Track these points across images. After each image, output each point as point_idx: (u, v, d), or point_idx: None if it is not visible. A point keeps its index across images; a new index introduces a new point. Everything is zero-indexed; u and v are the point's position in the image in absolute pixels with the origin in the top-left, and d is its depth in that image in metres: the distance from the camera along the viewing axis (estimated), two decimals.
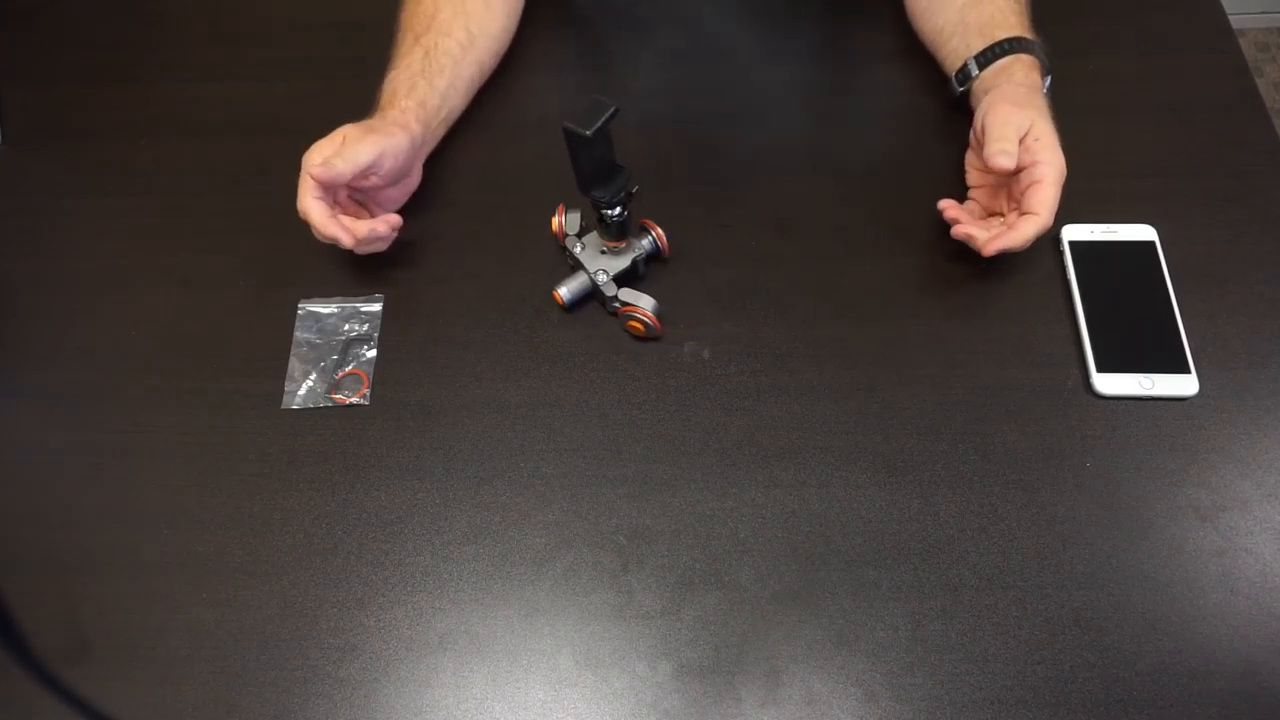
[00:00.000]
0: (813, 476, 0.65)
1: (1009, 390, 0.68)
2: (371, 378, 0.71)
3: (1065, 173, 0.66)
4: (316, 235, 0.70)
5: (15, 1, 0.96)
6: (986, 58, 0.72)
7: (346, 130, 0.71)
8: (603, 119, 0.58)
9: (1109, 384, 0.67)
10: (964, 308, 0.72)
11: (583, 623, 0.61)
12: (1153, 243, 0.72)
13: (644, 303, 0.69)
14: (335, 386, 0.71)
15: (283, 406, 0.70)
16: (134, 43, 0.93)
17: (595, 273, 0.70)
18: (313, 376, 0.71)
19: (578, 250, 0.72)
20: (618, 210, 0.67)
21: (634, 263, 0.71)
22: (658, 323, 0.69)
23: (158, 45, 0.92)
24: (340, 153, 0.68)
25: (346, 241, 0.69)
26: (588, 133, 0.58)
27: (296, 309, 0.74)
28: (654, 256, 0.73)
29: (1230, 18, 0.85)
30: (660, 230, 0.72)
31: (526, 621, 0.62)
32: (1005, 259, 0.72)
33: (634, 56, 0.86)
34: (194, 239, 0.79)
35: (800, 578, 0.62)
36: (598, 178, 0.65)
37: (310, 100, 0.86)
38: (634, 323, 0.70)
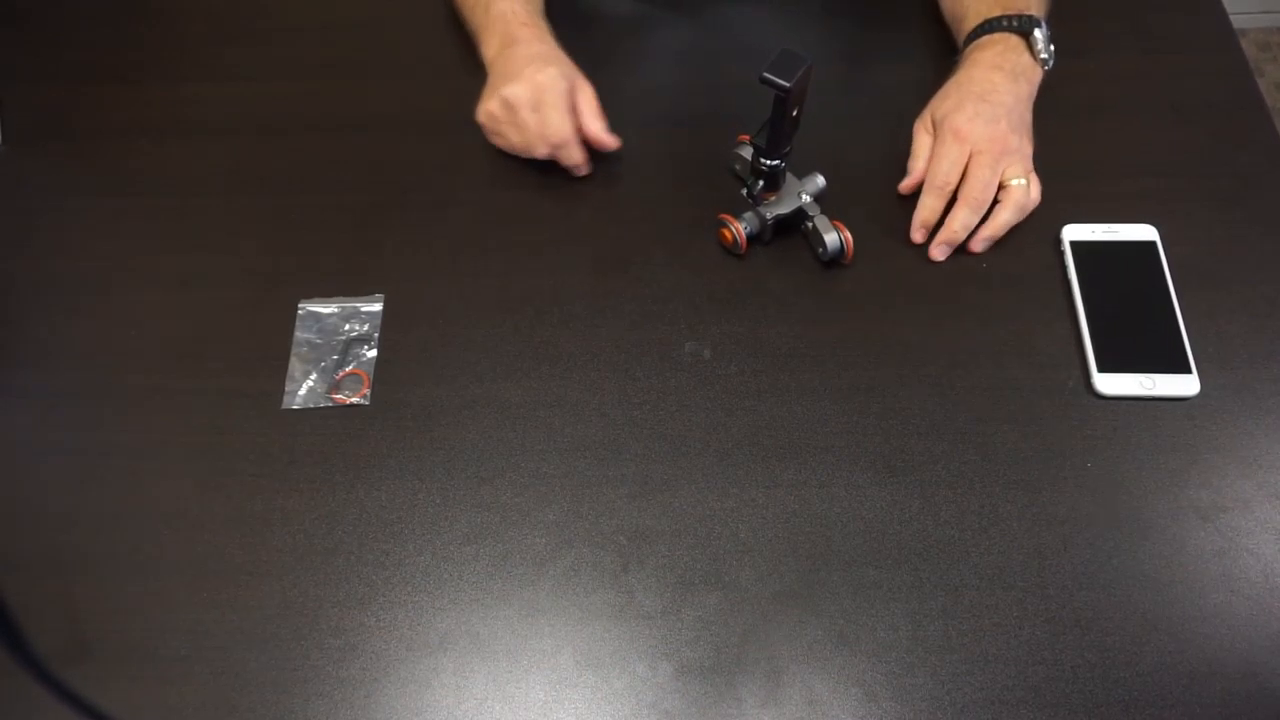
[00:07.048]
0: (813, 476, 0.65)
1: (1009, 390, 0.68)
2: (372, 378, 0.71)
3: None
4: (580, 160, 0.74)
5: (15, 1, 0.96)
6: (966, 43, 0.74)
7: (570, 77, 0.73)
8: (801, 70, 0.60)
9: (1110, 384, 0.67)
10: (964, 308, 0.72)
11: (583, 623, 0.61)
12: (1154, 242, 0.72)
13: (830, 235, 0.71)
14: (335, 386, 0.71)
15: (283, 406, 0.70)
16: (134, 43, 0.92)
17: (799, 201, 0.73)
18: (313, 376, 0.71)
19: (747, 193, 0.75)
20: (776, 161, 0.70)
21: (797, 210, 0.73)
22: (850, 246, 0.72)
23: (158, 45, 0.92)
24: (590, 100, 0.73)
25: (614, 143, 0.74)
26: (789, 84, 0.60)
27: (296, 309, 0.74)
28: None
29: (1231, 17, 0.85)
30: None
31: (527, 622, 0.62)
32: (1005, 259, 0.72)
33: (635, 55, 0.86)
34: (194, 239, 0.79)
35: (801, 578, 0.62)
36: (783, 132, 0.67)
37: (309, 100, 0.86)
38: (845, 227, 0.72)
